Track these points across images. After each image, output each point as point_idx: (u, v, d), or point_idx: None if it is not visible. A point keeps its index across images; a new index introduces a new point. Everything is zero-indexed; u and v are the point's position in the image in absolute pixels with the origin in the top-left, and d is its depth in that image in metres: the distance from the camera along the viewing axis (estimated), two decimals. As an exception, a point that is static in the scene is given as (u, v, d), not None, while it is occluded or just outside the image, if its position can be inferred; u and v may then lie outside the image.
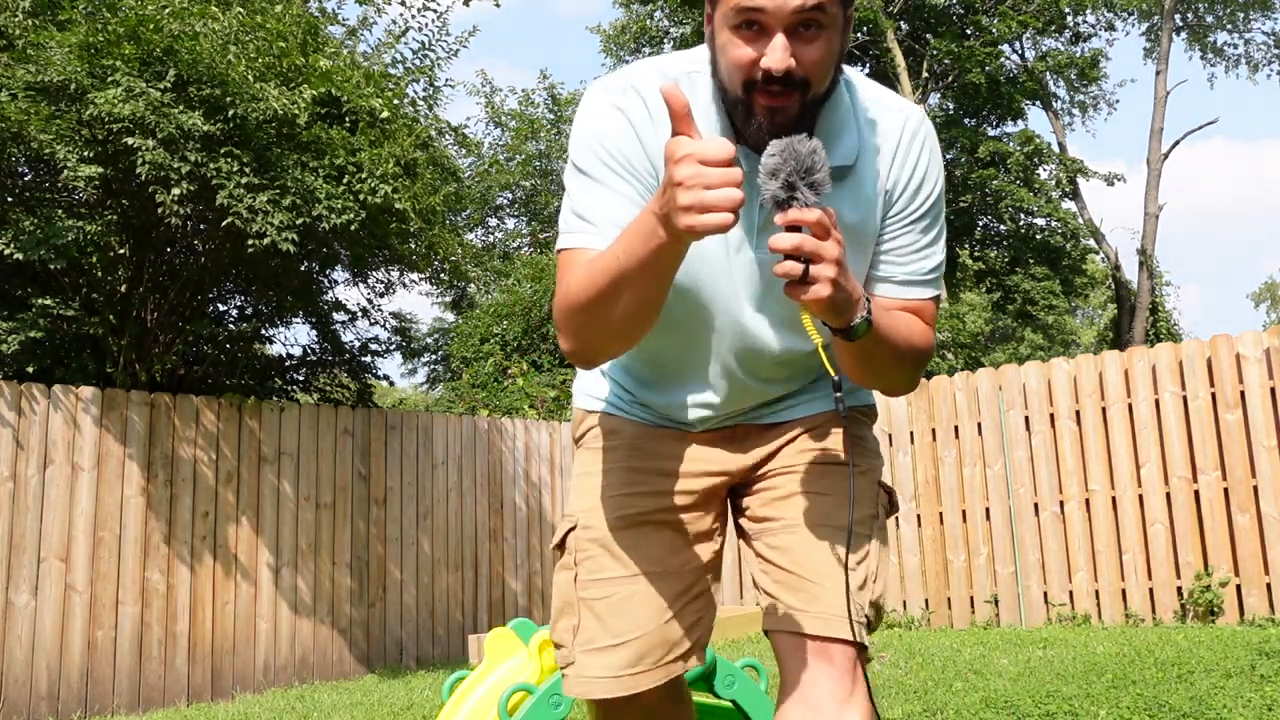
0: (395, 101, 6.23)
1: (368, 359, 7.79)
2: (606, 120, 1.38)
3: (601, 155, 1.37)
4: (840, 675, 1.39)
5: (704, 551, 1.55)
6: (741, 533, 1.58)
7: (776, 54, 1.23)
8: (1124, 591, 6.16)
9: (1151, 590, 6.07)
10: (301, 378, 7.65)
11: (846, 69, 1.40)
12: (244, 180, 5.21)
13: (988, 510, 6.68)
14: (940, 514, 6.85)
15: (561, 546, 1.58)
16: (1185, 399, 6.08)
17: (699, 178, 1.11)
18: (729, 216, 1.12)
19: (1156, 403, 6.17)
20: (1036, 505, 6.50)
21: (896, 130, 1.42)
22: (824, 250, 1.17)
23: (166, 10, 5.22)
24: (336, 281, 7.33)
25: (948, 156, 18.80)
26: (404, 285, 7.29)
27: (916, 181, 1.42)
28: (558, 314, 1.36)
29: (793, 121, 1.27)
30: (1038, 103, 19.67)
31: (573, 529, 1.55)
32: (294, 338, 38.11)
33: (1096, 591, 6.23)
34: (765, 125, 1.28)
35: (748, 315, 1.43)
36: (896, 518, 7.00)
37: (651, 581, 1.48)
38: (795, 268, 1.17)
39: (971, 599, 6.66)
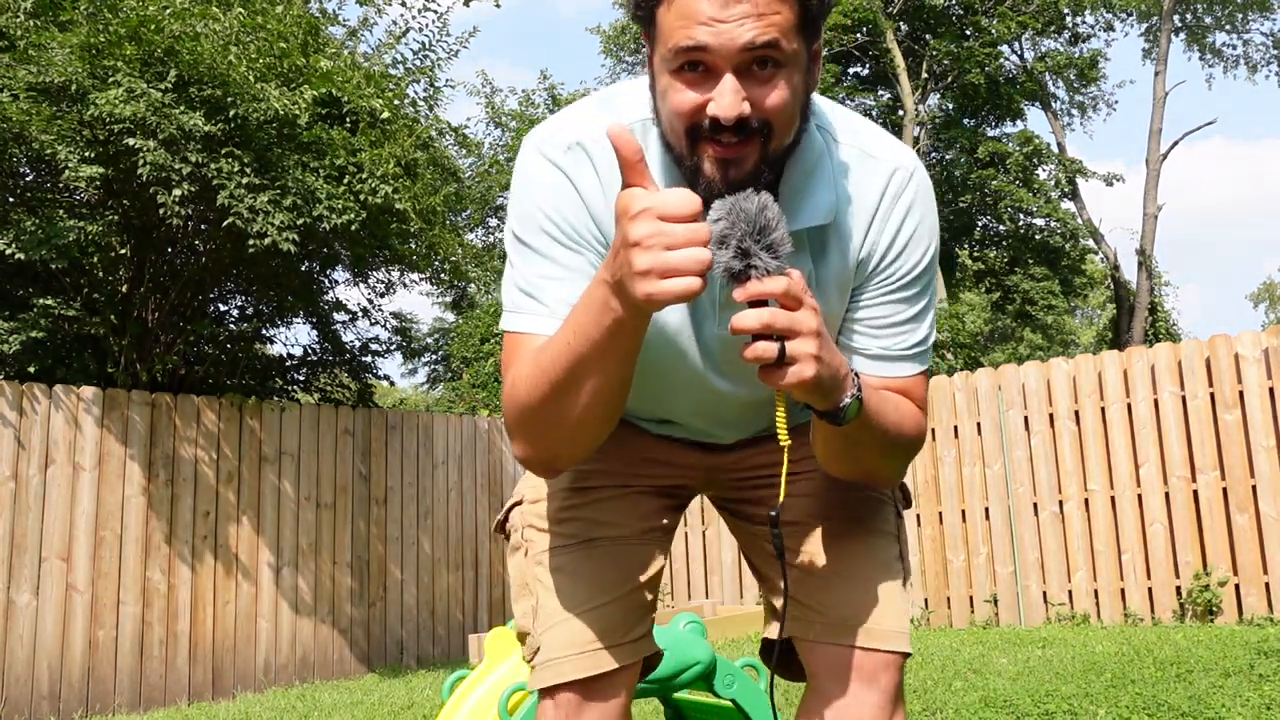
0: (395, 102, 6.24)
1: (368, 359, 7.80)
2: (548, 185, 1.18)
3: (544, 225, 1.17)
4: (884, 701, 1.27)
5: (658, 532, 1.39)
6: (743, 534, 1.46)
7: (725, 98, 1.04)
8: (1123, 591, 6.17)
9: (1150, 590, 6.08)
10: (302, 378, 7.66)
11: (826, 104, 1.24)
12: (245, 181, 5.22)
13: (987, 510, 6.69)
14: (940, 514, 6.86)
15: (503, 527, 1.42)
16: (1184, 399, 6.09)
17: (659, 236, 0.95)
18: (696, 281, 0.95)
19: (1155, 403, 6.18)
20: (1036, 505, 6.51)
21: (880, 184, 1.20)
22: (799, 323, 0.99)
23: (167, 11, 5.22)
24: (337, 281, 7.34)
25: (947, 157, 18.80)
26: (404, 285, 7.30)
27: (899, 246, 1.20)
28: (508, 418, 1.17)
29: (750, 176, 1.07)
30: (1037, 103, 19.68)
31: (517, 504, 1.40)
32: (294, 338, 38.11)
33: (1095, 591, 6.25)
34: (718, 182, 1.07)
35: (724, 389, 1.28)
36: (896, 517, 6.99)
37: (610, 545, 1.32)
38: (769, 349, 0.99)
39: (971, 598, 6.68)
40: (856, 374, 1.11)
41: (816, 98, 1.19)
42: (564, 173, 1.18)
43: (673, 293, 0.95)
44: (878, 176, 1.20)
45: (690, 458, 1.41)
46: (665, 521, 1.41)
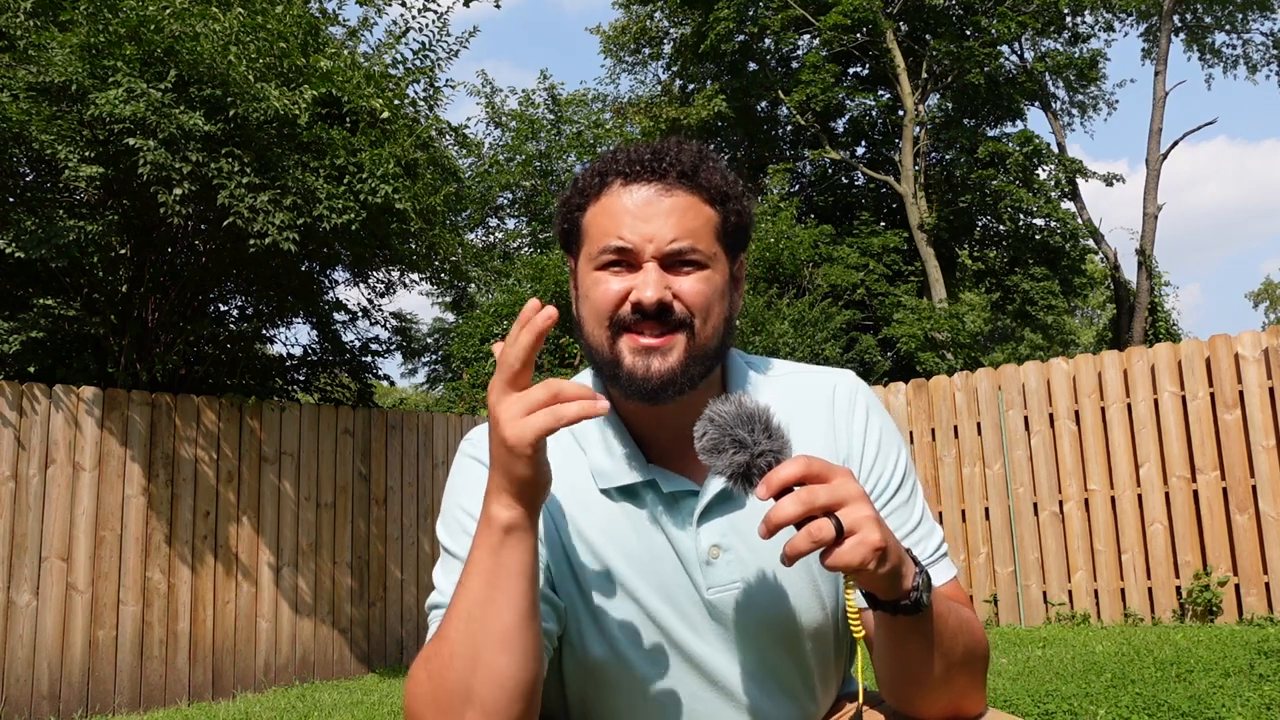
0: (395, 102, 6.24)
1: (368, 359, 7.80)
2: (467, 480, 1.15)
3: (465, 524, 1.12)
4: None
5: None
6: None
7: (648, 286, 1.06)
8: (1123, 591, 6.17)
9: (1150, 590, 6.08)
10: (302, 378, 7.65)
11: (751, 357, 1.26)
12: (245, 180, 5.22)
13: (987, 510, 6.69)
14: (940, 514, 6.86)
15: None
16: (1184, 399, 6.09)
17: (508, 393, 0.94)
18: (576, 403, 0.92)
19: (1155, 402, 6.18)
20: (1036, 505, 6.51)
21: (827, 396, 1.20)
22: (842, 491, 0.89)
23: (167, 11, 5.22)
24: (337, 281, 7.34)
25: (947, 157, 18.82)
26: (404, 285, 7.30)
27: (874, 447, 1.18)
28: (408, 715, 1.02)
29: (675, 372, 1.07)
30: (1036, 103, 19.68)
31: None
32: (294, 338, 38.13)
33: (1095, 591, 6.24)
34: (639, 374, 1.06)
35: (724, 673, 1.13)
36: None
37: None
38: (823, 527, 0.88)
39: (971, 598, 6.67)
40: (911, 551, 0.99)
41: (744, 355, 1.24)
42: (475, 459, 1.16)
43: (554, 417, 0.91)
44: (822, 391, 1.20)
45: None
46: None
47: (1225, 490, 5.89)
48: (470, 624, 0.97)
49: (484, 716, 0.96)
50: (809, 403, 1.19)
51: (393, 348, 7.97)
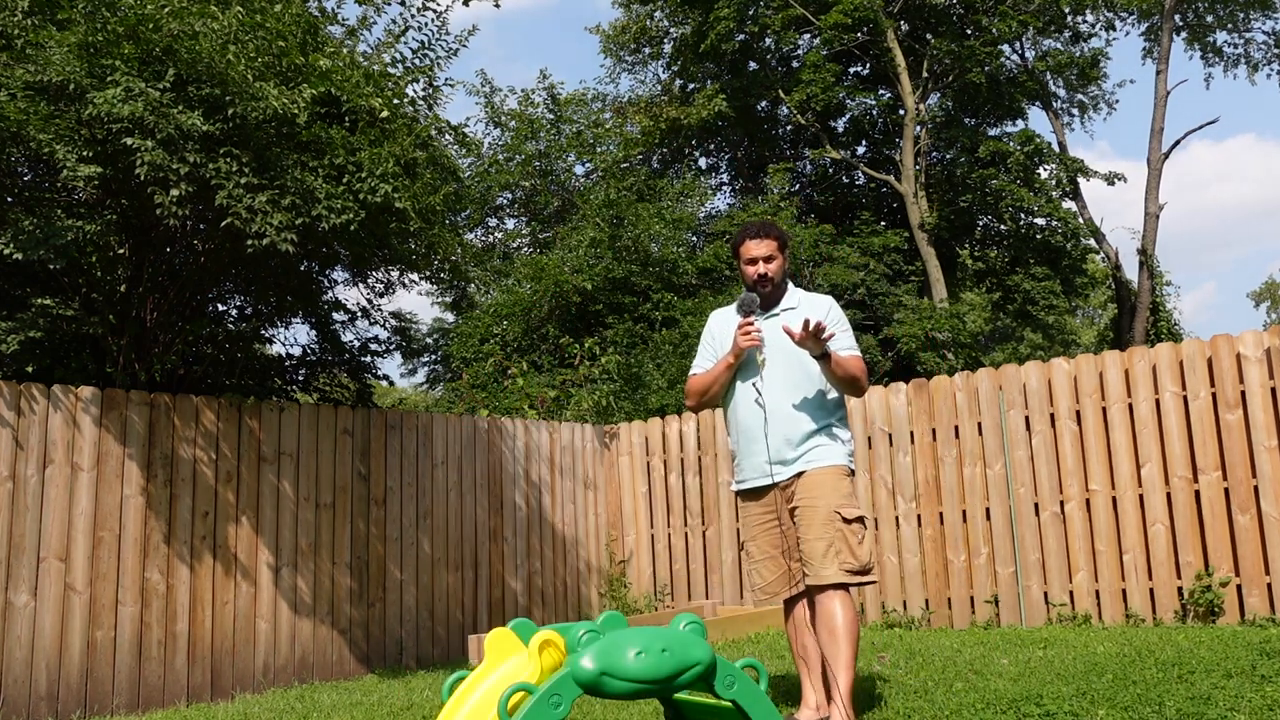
0: (395, 101, 6.22)
1: (367, 359, 7.78)
2: (713, 319, 3.95)
3: (707, 338, 3.87)
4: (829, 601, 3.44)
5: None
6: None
7: (759, 267, 3.70)
8: (1124, 591, 6.16)
9: (1152, 590, 6.06)
10: (301, 378, 7.64)
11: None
12: (243, 180, 5.20)
13: (988, 510, 6.68)
14: (940, 514, 6.84)
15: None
16: (1186, 399, 6.07)
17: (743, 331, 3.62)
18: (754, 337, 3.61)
19: (1157, 402, 6.17)
20: (1037, 505, 6.50)
21: (824, 302, 3.72)
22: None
23: (166, 9, 5.20)
24: (336, 281, 7.31)
25: (947, 156, 18.84)
26: (404, 285, 7.26)
27: (828, 317, 3.61)
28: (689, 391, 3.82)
29: (765, 292, 3.72)
30: (1038, 103, 19.65)
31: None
32: (294, 338, 38.10)
33: (1097, 591, 6.23)
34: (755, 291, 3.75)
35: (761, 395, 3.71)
36: (897, 517, 6.99)
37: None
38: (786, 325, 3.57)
39: (972, 599, 6.66)
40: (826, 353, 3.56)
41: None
42: (718, 319, 3.90)
43: (742, 344, 3.61)
44: (820, 299, 3.75)
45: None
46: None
47: (1227, 490, 5.88)
48: (710, 375, 3.74)
49: (699, 396, 3.76)
50: (813, 302, 3.73)
51: (392, 348, 7.96)
